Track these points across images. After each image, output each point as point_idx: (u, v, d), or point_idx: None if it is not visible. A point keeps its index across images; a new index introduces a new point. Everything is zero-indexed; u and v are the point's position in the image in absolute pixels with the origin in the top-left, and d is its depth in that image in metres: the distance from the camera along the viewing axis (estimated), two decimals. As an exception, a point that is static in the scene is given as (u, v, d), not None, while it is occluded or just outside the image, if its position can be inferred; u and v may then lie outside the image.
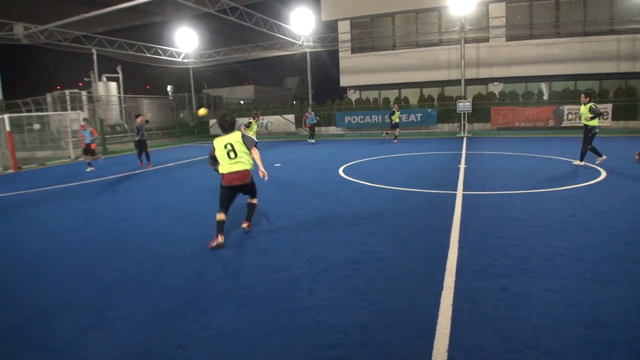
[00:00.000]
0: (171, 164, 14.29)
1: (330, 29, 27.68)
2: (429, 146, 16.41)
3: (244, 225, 5.72)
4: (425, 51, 25.78)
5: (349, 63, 27.64)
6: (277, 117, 26.00)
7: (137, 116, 13.65)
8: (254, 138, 5.43)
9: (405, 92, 26.61)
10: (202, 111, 7.05)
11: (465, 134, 20.73)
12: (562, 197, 7.33)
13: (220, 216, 5.28)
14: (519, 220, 5.94)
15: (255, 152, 5.37)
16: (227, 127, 5.35)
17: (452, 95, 23.84)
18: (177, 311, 3.65)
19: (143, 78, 37.24)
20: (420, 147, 16.31)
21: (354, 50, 27.69)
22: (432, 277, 4.08)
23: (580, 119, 10.78)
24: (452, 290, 3.79)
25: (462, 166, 10.93)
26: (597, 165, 10.17)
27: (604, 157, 10.32)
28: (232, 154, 5.25)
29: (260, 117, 12.48)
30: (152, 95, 32.88)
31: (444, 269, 4.26)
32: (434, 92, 25.58)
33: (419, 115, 23.05)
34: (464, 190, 7.96)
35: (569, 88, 23.09)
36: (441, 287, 3.85)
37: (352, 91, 28.07)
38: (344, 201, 7.48)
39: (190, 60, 28.74)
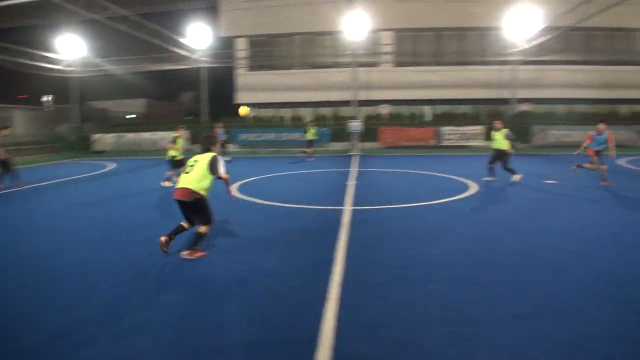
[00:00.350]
0: (47, 182, 12.90)
1: (227, 45, 27.48)
2: (321, 164, 16.84)
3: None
4: (320, 72, 26.78)
5: (245, 80, 27.63)
6: (170, 133, 24.86)
7: (1, 128, 11.96)
8: (222, 166, 5.31)
9: (301, 111, 27.27)
10: (244, 110, 6.74)
11: (357, 152, 21.71)
12: (440, 209, 7.99)
13: (182, 222, 5.37)
14: (400, 232, 6.34)
15: (226, 177, 5.37)
16: (203, 149, 5.49)
17: (345, 115, 24.95)
18: (39, 349, 3.22)
19: (18, 86, 33.51)
20: (314, 164, 16.67)
21: (251, 68, 27.77)
22: (317, 291, 4.14)
23: (492, 142, 11.37)
24: (337, 302, 3.88)
25: (352, 182, 11.40)
26: (486, 179, 11.18)
27: (512, 177, 10.93)
28: (189, 169, 5.28)
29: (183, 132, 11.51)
30: (27, 105, 29.53)
31: (329, 282, 4.35)
32: (329, 111, 26.58)
33: (314, 133, 23.74)
34: (352, 206, 8.29)
35: (447, 111, 25.54)
36: (326, 300, 3.92)
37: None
38: (234, 219, 7.34)
39: (74, 68, 26.47)
